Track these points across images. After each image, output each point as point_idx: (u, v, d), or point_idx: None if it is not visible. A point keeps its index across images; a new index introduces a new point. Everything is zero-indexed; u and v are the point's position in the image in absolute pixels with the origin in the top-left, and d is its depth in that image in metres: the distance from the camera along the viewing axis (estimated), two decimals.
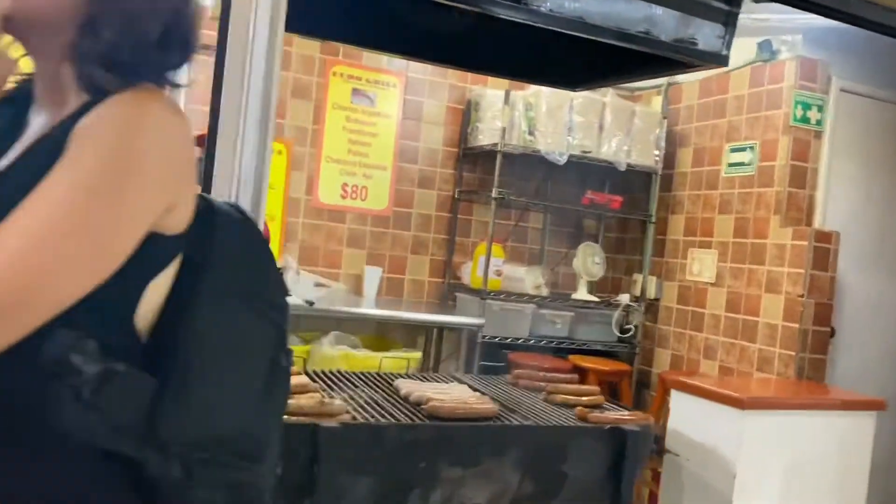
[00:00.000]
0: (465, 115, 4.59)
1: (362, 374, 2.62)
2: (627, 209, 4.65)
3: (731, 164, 4.14)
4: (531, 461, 2.13)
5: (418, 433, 2.00)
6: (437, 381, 2.59)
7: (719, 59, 2.29)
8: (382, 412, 2.12)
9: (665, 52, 2.19)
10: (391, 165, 4.46)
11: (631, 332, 4.48)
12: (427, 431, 2.02)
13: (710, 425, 2.52)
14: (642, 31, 2.16)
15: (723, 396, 2.50)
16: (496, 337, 4.17)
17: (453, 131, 4.62)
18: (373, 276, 4.33)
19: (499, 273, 4.27)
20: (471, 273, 4.35)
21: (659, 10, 2.18)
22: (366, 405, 2.18)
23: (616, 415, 2.32)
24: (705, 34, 2.27)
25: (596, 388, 2.59)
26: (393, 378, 2.57)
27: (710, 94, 4.37)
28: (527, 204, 4.64)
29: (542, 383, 2.59)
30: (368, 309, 3.90)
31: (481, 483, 2.09)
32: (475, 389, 2.54)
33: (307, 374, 2.50)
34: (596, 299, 4.51)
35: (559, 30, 2.03)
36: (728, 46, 2.33)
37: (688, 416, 2.61)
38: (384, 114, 4.42)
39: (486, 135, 4.36)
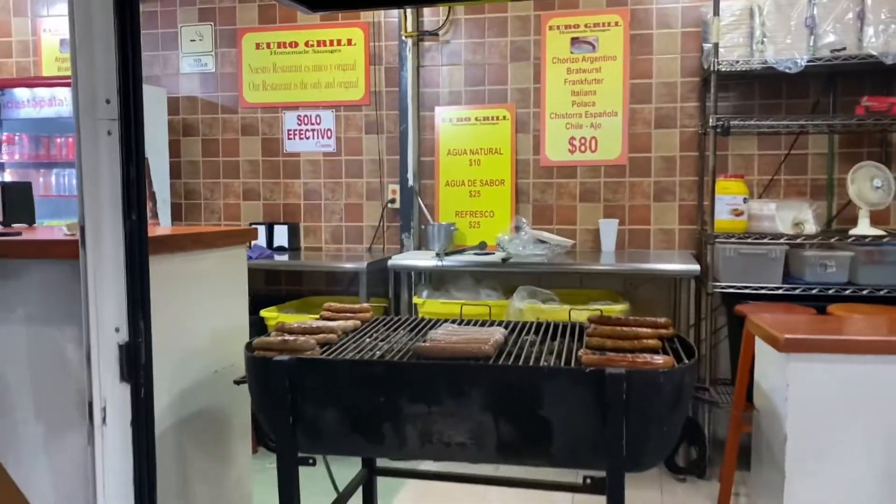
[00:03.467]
0: (705, 38, 4.05)
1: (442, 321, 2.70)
2: None
3: None
4: (500, 402, 2.00)
5: (369, 369, 2.07)
6: (490, 326, 2.53)
7: None
8: (367, 351, 2.23)
9: None
10: (621, 110, 4.20)
11: None
12: (377, 368, 2.07)
13: (769, 374, 1.89)
14: None
15: (768, 335, 1.85)
16: (731, 286, 3.63)
17: (693, 59, 4.12)
18: (608, 229, 4.16)
19: (737, 213, 3.69)
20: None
21: None
22: (371, 347, 2.31)
23: (632, 358, 1.98)
24: None
25: (646, 332, 2.18)
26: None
27: None
28: (785, 126, 3.88)
29: (611, 327, 2.31)
30: (559, 262, 3.78)
31: (453, 421, 2.05)
32: (524, 334, 2.42)
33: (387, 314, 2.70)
34: (879, 233, 3.54)
35: None
36: None
37: (762, 363, 2.00)
38: (609, 56, 4.19)
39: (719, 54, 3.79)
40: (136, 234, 1.89)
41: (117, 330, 1.84)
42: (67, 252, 2.10)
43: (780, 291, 3.58)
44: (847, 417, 1.82)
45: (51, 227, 3.06)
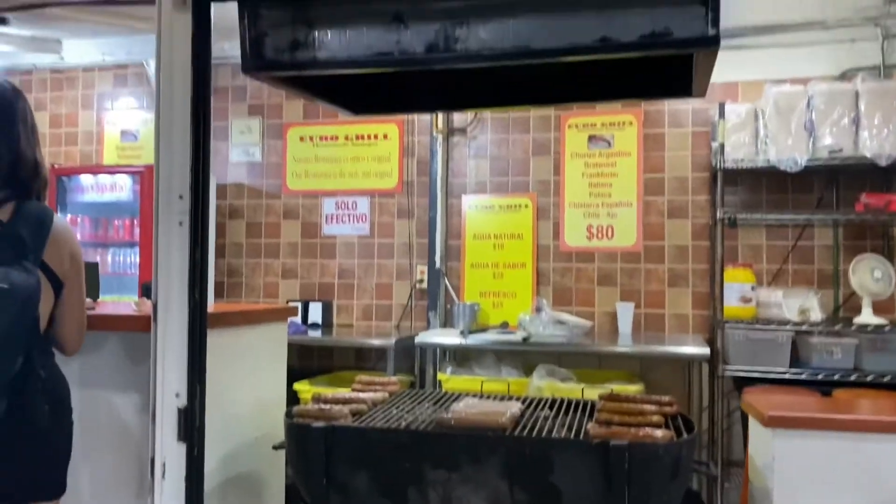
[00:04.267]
0: (713, 137, 4.36)
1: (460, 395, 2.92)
2: None
3: None
4: (514, 470, 2.21)
5: (395, 437, 2.30)
6: (508, 401, 2.74)
7: (707, 42, 2.10)
8: (395, 421, 2.46)
9: (630, 52, 2.14)
10: (636, 201, 4.49)
11: None
12: (403, 436, 2.30)
13: (759, 450, 2.07)
14: (597, 40, 2.18)
15: (756, 412, 2.05)
16: (741, 370, 3.81)
17: (703, 156, 4.42)
18: (625, 312, 4.38)
19: (745, 299, 3.91)
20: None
21: (613, 14, 2.17)
22: (398, 417, 2.54)
23: (635, 432, 2.19)
24: (679, 21, 2.13)
25: (650, 408, 2.39)
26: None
27: None
28: (791, 220, 4.14)
29: (616, 403, 2.52)
30: (577, 343, 4.00)
31: (471, 487, 2.25)
32: (539, 409, 2.64)
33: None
34: (882, 322, 3.72)
35: (507, 63, 2.21)
36: (715, 23, 2.11)
37: (753, 440, 2.18)
38: (623, 152, 4.52)
39: (726, 153, 4.09)
40: (198, 310, 2.17)
41: (177, 395, 2.11)
42: (136, 325, 2.40)
43: (788, 375, 3.75)
44: (830, 490, 2.00)
45: (117, 302, 3.38)
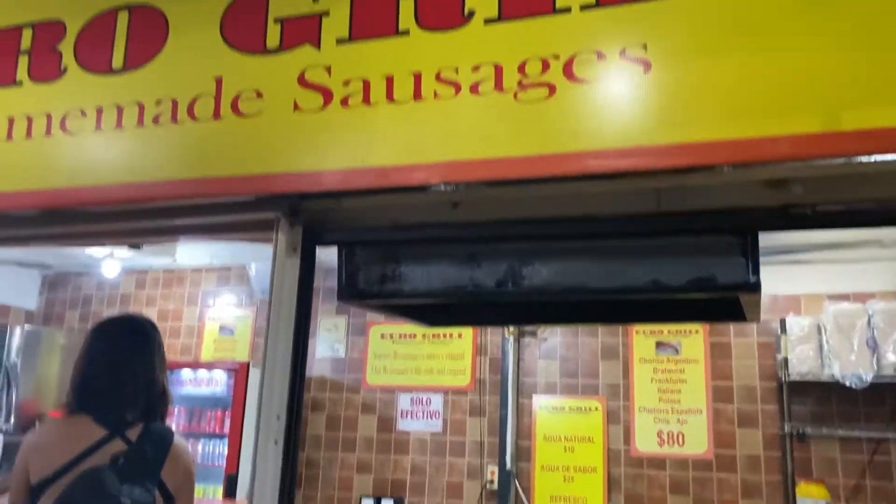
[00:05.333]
0: (777, 349, 4.47)
1: None
2: None
3: None
4: None
5: None
6: None
7: (748, 287, 2.34)
8: None
9: (678, 294, 2.41)
10: (706, 408, 4.56)
11: None
12: None
13: None
14: (648, 283, 2.47)
15: None
16: None
17: (770, 365, 4.51)
18: None
19: None
20: None
21: (662, 260, 2.47)
22: None
23: None
24: (723, 269, 2.40)
25: None
26: None
27: None
28: (862, 435, 4.11)
29: None
30: None
31: None
32: None
33: None
34: None
35: (567, 297, 2.50)
36: (755, 271, 2.36)
37: None
38: (691, 359, 4.65)
39: (790, 365, 4.19)
40: None
41: None
42: None
43: None
44: None
45: (204, 499, 3.61)
